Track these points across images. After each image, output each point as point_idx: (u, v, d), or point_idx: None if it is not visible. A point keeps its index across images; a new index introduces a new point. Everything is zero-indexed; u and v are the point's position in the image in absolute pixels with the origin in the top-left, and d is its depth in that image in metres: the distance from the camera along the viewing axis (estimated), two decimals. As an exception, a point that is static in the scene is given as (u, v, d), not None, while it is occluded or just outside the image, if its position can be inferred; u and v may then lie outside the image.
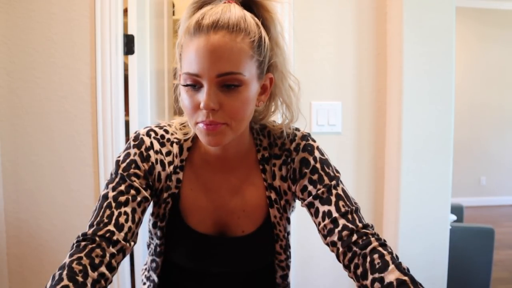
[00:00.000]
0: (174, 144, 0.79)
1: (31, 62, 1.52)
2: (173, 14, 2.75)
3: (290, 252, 0.86)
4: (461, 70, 4.54)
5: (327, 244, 0.73)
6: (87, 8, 1.51)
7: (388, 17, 1.55)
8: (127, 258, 1.65)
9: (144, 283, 0.90)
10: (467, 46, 4.68)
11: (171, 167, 0.78)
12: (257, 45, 0.68)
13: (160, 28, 2.15)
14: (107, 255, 0.65)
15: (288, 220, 0.84)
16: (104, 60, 1.52)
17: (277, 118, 0.87)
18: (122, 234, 0.68)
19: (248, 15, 0.68)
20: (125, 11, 1.63)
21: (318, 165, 0.78)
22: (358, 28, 1.57)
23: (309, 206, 0.76)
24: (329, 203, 0.73)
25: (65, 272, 0.59)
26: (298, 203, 0.84)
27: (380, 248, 0.67)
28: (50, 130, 1.55)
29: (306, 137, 0.81)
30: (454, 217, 1.65)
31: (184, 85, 0.68)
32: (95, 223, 0.68)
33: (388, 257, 0.65)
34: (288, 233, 0.85)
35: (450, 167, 1.52)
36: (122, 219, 0.69)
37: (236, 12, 0.67)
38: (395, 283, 0.61)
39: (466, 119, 4.74)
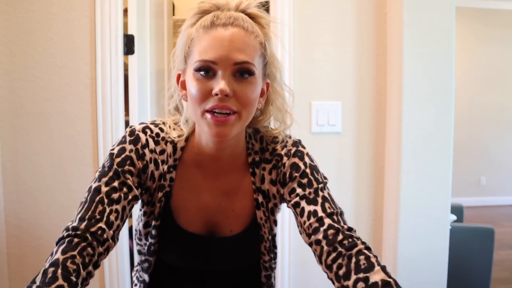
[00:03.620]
0: (168, 143, 0.80)
1: (31, 62, 1.52)
2: (173, 14, 2.75)
3: (275, 254, 0.88)
4: (461, 70, 4.54)
5: (310, 243, 0.73)
6: (87, 8, 1.51)
7: (388, 17, 1.55)
8: (127, 258, 1.66)
9: (136, 285, 0.91)
10: (467, 46, 4.68)
11: (165, 166, 0.79)
12: (263, 47, 0.74)
13: (160, 28, 2.15)
14: (96, 254, 0.66)
15: (275, 223, 0.86)
16: (104, 60, 1.52)
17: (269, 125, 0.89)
18: (111, 232, 0.69)
19: (255, 25, 0.74)
20: (125, 11, 1.63)
21: (308, 170, 0.79)
22: (358, 28, 1.57)
23: (295, 206, 0.77)
24: (315, 203, 0.75)
25: (59, 271, 0.59)
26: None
27: (366, 251, 0.67)
28: (50, 130, 1.55)
29: (296, 143, 0.84)
30: (454, 217, 1.65)
31: (196, 73, 0.70)
32: (86, 217, 0.68)
33: (373, 259, 0.66)
34: (274, 235, 0.87)
35: (450, 167, 1.52)
36: (112, 217, 0.70)
37: (247, 20, 0.73)
38: (380, 283, 0.61)
39: (466, 119, 4.74)
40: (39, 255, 1.57)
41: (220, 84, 0.67)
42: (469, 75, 4.73)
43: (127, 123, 1.64)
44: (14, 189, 1.56)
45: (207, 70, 0.69)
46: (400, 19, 1.47)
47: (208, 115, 0.69)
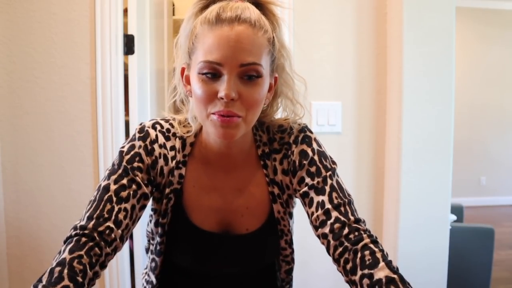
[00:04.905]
0: (178, 139, 0.79)
1: (31, 62, 1.52)
2: (173, 14, 2.75)
3: (293, 246, 0.87)
4: (461, 70, 4.54)
5: (318, 236, 0.73)
6: (87, 8, 1.51)
7: (388, 17, 1.55)
8: (127, 258, 1.66)
9: (145, 287, 0.90)
10: (467, 46, 4.68)
11: (174, 162, 0.78)
12: (272, 43, 0.71)
13: (160, 28, 2.15)
14: (103, 254, 0.66)
15: (290, 215, 0.84)
16: (104, 60, 1.52)
17: (277, 116, 0.87)
18: (120, 231, 0.68)
19: (263, 16, 0.71)
20: (125, 11, 1.63)
21: (316, 157, 0.78)
22: (358, 28, 1.57)
23: (304, 195, 0.76)
24: (323, 193, 0.74)
25: (66, 271, 0.59)
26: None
27: (371, 245, 0.67)
28: (50, 130, 1.55)
29: (304, 129, 0.82)
30: (454, 217, 1.65)
31: (201, 74, 0.68)
32: (94, 216, 0.67)
33: (379, 255, 0.65)
34: (292, 228, 0.86)
35: (450, 167, 1.52)
36: (121, 216, 0.69)
37: (255, 11, 0.69)
38: (384, 280, 0.61)
39: (466, 119, 4.73)
40: (39, 255, 1.57)
41: (225, 89, 0.65)
42: (469, 75, 4.73)
43: (127, 123, 1.65)
44: (14, 189, 1.56)
45: (212, 71, 0.67)
46: (400, 19, 1.47)
47: (214, 116, 0.68)
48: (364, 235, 0.68)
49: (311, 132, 0.82)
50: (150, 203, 0.81)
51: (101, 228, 0.66)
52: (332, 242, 0.69)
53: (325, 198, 0.73)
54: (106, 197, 0.70)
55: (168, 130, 0.79)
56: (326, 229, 0.71)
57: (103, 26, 1.51)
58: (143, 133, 0.77)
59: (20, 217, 1.57)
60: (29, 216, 1.57)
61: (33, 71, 1.53)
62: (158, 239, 0.80)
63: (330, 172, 0.76)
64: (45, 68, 1.53)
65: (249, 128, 0.74)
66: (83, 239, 0.64)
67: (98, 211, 0.68)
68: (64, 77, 1.53)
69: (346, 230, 0.69)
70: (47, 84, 1.53)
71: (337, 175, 0.78)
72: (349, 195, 0.75)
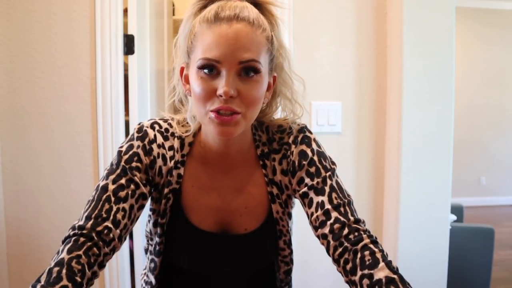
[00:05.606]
0: (176, 139, 0.79)
1: (31, 62, 1.52)
2: (173, 14, 2.75)
3: (292, 247, 0.87)
4: (461, 70, 4.54)
5: (317, 236, 0.73)
6: (87, 8, 1.51)
7: (388, 17, 1.55)
8: (127, 258, 1.66)
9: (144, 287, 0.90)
10: (467, 46, 4.68)
11: (172, 161, 0.78)
12: (270, 41, 0.71)
13: (160, 28, 2.15)
14: (102, 254, 0.66)
15: (289, 216, 0.84)
16: (104, 60, 1.52)
17: (276, 116, 0.87)
18: (118, 231, 0.68)
19: (261, 15, 0.71)
20: (125, 11, 1.63)
21: (315, 158, 0.78)
22: (358, 28, 1.57)
23: (303, 196, 0.76)
24: (323, 193, 0.74)
25: (64, 271, 0.59)
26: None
27: (371, 245, 0.67)
28: (50, 130, 1.55)
29: (303, 129, 0.82)
30: (454, 217, 1.65)
31: (200, 71, 0.68)
32: (93, 216, 0.67)
33: (379, 255, 0.65)
34: (291, 228, 0.86)
35: (450, 167, 1.52)
36: (119, 216, 0.69)
37: (253, 10, 0.70)
38: (384, 280, 0.61)
39: (466, 119, 4.73)
40: (39, 256, 1.57)
41: (224, 86, 0.65)
42: (469, 75, 4.73)
43: (127, 123, 1.65)
44: (14, 189, 1.56)
45: (210, 68, 0.67)
46: (400, 19, 1.47)
47: (213, 114, 0.68)
48: (364, 236, 0.68)
49: (311, 133, 0.82)
50: (148, 203, 0.81)
51: (99, 228, 0.66)
52: (332, 242, 0.69)
53: (324, 198, 0.73)
54: (104, 197, 0.70)
55: (167, 130, 0.79)
56: (326, 230, 0.71)
57: (103, 26, 1.51)
58: (141, 132, 0.77)
59: (20, 217, 1.57)
60: (29, 216, 1.57)
61: (33, 71, 1.53)
62: (157, 239, 0.80)
63: (329, 173, 0.76)
64: (45, 68, 1.53)
65: (248, 125, 0.73)
66: (82, 239, 0.64)
67: (96, 211, 0.68)
68: (64, 77, 1.53)
69: (346, 231, 0.69)
70: (47, 84, 1.53)
71: (337, 176, 0.78)
72: (348, 195, 0.75)
